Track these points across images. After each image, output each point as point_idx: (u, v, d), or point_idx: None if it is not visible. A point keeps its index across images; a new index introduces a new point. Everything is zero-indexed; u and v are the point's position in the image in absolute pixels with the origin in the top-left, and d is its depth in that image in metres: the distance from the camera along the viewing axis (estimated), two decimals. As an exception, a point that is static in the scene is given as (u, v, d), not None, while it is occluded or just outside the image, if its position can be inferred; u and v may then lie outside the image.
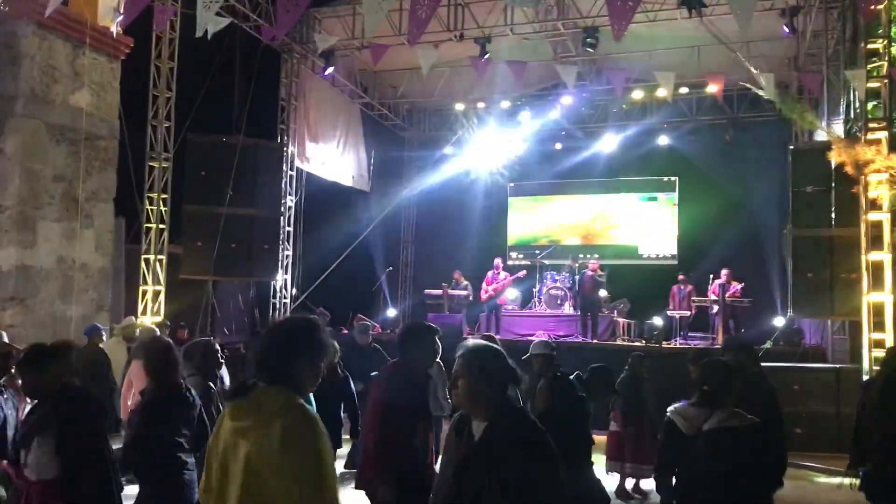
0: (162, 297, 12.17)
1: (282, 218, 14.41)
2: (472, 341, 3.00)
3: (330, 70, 14.14)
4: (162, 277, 12.20)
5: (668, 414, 4.24)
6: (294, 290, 15.10)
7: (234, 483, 2.36)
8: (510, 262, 17.72)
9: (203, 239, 12.90)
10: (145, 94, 12.04)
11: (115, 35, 9.98)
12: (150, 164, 12.16)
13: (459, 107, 17.78)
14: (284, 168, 14.45)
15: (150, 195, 12.18)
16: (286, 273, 14.79)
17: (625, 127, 17.18)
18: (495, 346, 2.96)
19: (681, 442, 4.10)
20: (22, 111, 9.31)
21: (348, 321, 15.29)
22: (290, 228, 14.88)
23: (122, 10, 8.81)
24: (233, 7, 12.25)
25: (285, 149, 14.51)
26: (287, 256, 14.78)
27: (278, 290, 14.70)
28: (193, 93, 12.47)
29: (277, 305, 14.73)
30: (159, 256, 12.20)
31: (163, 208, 12.29)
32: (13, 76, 9.26)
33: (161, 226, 12.26)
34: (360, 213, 17.05)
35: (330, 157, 15.85)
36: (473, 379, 2.76)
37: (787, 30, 12.23)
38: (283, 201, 14.44)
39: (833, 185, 10.63)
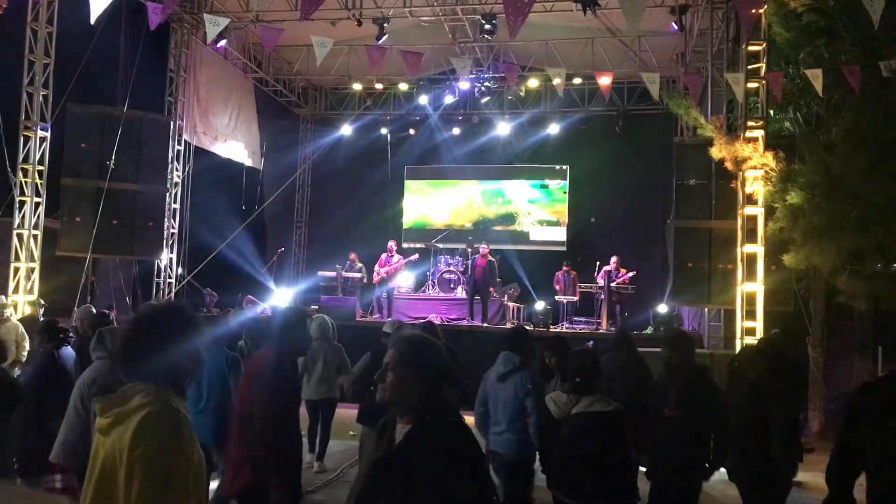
0: (36, 274, 11.51)
1: (168, 194, 13.87)
2: (407, 331, 2.71)
3: (222, 43, 13.66)
4: (37, 254, 11.53)
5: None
6: (180, 270, 14.60)
7: (90, 481, 2.26)
8: (405, 245, 17.74)
9: (82, 214, 12.26)
10: (21, 60, 11.28)
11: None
12: (25, 133, 11.43)
13: (356, 87, 17.60)
14: (171, 142, 13.90)
15: (25, 167, 11.46)
16: (171, 251, 14.27)
17: (519, 115, 17.47)
18: (432, 338, 2.59)
19: (554, 425, 4.32)
20: None
21: (237, 303, 14.95)
22: (177, 205, 14.35)
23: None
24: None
25: (173, 122, 13.95)
26: (172, 234, 14.26)
27: (163, 269, 14.18)
28: (75, 60, 11.77)
29: (161, 285, 14.21)
30: (34, 231, 11.52)
31: (38, 181, 11.59)
32: None
33: (36, 199, 11.56)
34: (252, 191, 16.64)
35: (221, 133, 15.38)
36: (402, 375, 2.43)
37: (675, 27, 12.72)
38: (169, 177, 13.90)
39: (713, 179, 11.17)
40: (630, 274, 14.19)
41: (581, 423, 4.22)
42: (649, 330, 13.38)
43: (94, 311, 7.82)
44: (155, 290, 14.10)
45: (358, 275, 15.46)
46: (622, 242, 15.74)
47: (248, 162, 16.38)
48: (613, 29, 13.21)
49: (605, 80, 10.47)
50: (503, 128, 17.53)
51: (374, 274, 15.17)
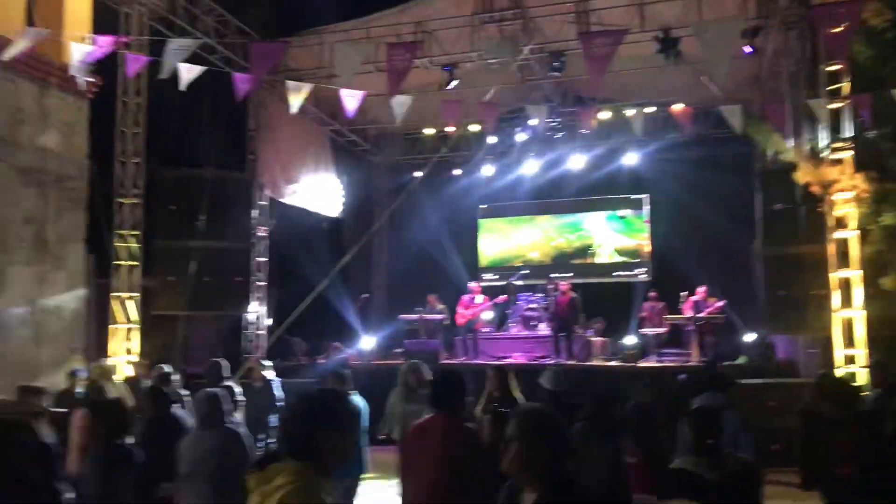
0: (137, 334, 11.98)
1: (253, 249, 14.30)
2: (528, 405, 2.86)
3: (292, 110, 14.06)
4: (135, 314, 12.01)
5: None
6: (269, 321, 14.96)
7: None
8: (483, 284, 17.76)
9: (175, 273, 12.77)
10: (112, 131, 11.89)
11: (81, 83, 9.85)
12: (120, 200, 12.00)
13: (428, 132, 17.85)
14: (254, 199, 14.36)
15: (121, 232, 12.01)
16: (261, 304, 14.66)
17: (592, 146, 17.36)
18: (549, 412, 2.76)
19: None
20: (-11, 155, 9.15)
21: (324, 350, 15.23)
22: (264, 259, 14.76)
23: (87, 60, 8.73)
24: (203, 44, 12.18)
25: (254, 180, 14.42)
26: (260, 288, 14.66)
27: (252, 322, 14.56)
28: (161, 126, 12.36)
29: (251, 337, 14.59)
30: (132, 294, 12.01)
31: (133, 244, 12.12)
32: (-21, 120, 9.11)
33: (132, 262, 12.08)
34: (334, 242, 16.99)
35: (300, 186, 15.77)
36: (526, 445, 2.58)
37: (749, 49, 12.47)
38: (254, 232, 14.34)
39: (801, 203, 10.86)
40: (720, 303, 13.81)
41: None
42: (742, 359, 13.00)
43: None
44: (245, 342, 14.47)
45: (439, 316, 15.52)
46: (706, 270, 15.36)
47: (327, 212, 16.73)
48: (686, 57, 13.05)
49: (679, 107, 10.33)
50: (577, 160, 17.45)
51: (458, 315, 15.19)
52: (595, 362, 13.98)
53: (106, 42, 8.27)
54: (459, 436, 3.88)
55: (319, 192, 16.45)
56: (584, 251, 18.55)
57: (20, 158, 9.45)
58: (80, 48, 9.00)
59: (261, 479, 2.40)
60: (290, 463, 2.40)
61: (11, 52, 7.96)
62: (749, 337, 13.32)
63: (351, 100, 8.98)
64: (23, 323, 9.43)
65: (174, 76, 9.04)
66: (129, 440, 5.17)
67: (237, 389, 8.04)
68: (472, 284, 15.64)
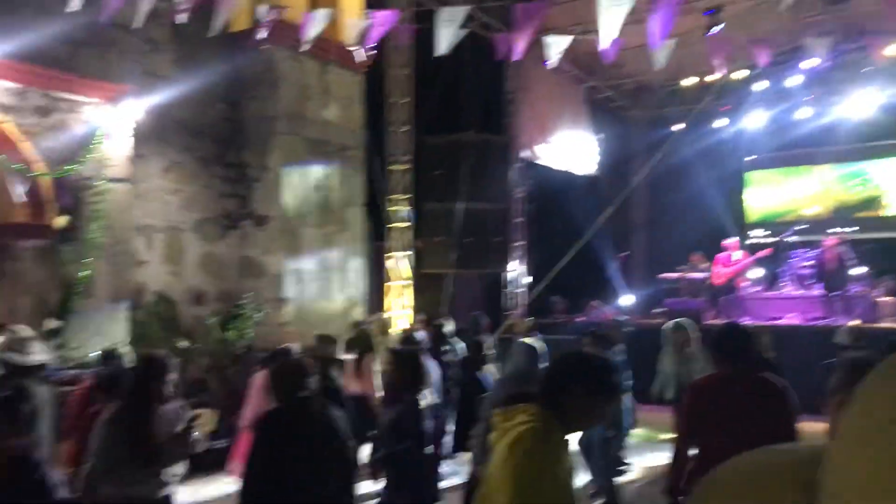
0: (409, 290, 12.90)
1: (512, 209, 14.69)
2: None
3: (551, 63, 14.10)
4: (408, 272, 12.92)
5: None
6: (528, 280, 15.35)
7: (481, 490, 2.54)
8: (751, 241, 16.74)
9: (442, 234, 13.52)
10: (384, 102, 12.75)
11: (359, 58, 10.65)
12: (392, 167, 12.90)
13: (688, 82, 17.04)
14: (512, 160, 14.70)
15: (393, 196, 12.92)
16: (520, 263, 15.06)
17: (880, 85, 15.49)
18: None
19: None
20: (282, 129, 10.27)
21: (583, 308, 15.30)
22: (522, 219, 15.12)
23: (366, 37, 9.37)
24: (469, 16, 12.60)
25: (512, 141, 14.75)
26: (519, 247, 15.05)
27: (512, 280, 15.02)
28: (427, 94, 13.04)
29: (512, 295, 15.06)
30: (405, 253, 12.93)
31: (404, 207, 13.00)
32: (274, 98, 10.24)
33: (404, 224, 12.97)
34: (591, 200, 16.91)
35: (557, 145, 15.87)
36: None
37: None
38: (512, 193, 14.71)
39: None
40: None
41: None
42: None
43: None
44: (506, 299, 14.99)
45: (702, 275, 14.90)
46: None
47: (584, 170, 16.69)
48: None
49: None
50: (861, 102, 15.70)
51: (715, 274, 14.52)
52: (886, 324, 12.64)
53: (384, 17, 8.83)
54: (764, 386, 3.88)
55: (575, 150, 16.43)
56: (872, 203, 16.74)
57: (308, 131, 10.51)
58: (358, 24, 9.70)
59: (505, 416, 2.54)
60: (533, 405, 2.51)
61: (311, 36, 8.79)
62: None
63: (608, 46, 8.79)
64: (314, 279, 10.55)
65: (438, 44, 9.46)
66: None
67: (489, 341, 8.66)
68: (727, 241, 14.80)
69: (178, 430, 4.27)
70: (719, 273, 14.41)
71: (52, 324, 7.76)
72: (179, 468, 4.36)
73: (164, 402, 4.31)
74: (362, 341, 8.95)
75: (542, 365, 4.94)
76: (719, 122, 17.62)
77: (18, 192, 7.67)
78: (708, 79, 16.72)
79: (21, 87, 7.75)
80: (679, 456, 4.00)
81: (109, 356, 6.12)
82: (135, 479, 4.03)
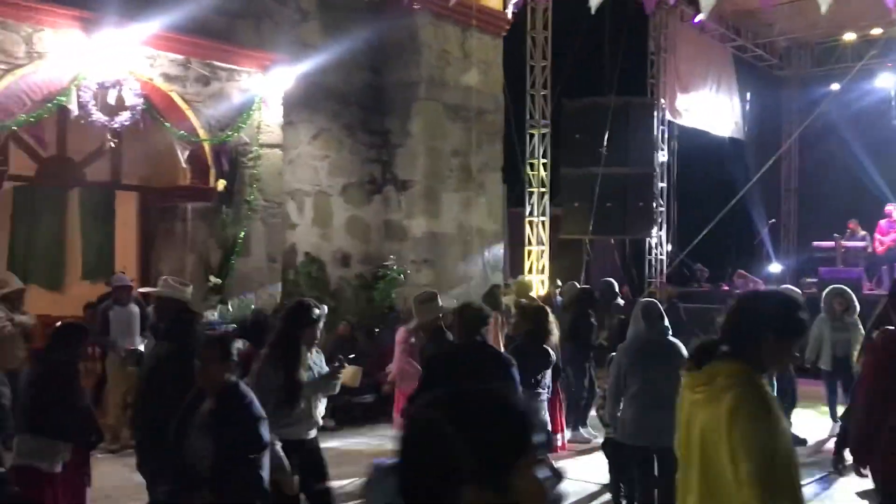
0: (546, 256, 12.87)
1: (655, 174, 14.29)
2: None
3: (702, 16, 13.51)
4: (545, 238, 12.88)
5: None
6: (670, 247, 14.93)
7: (694, 456, 2.43)
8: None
9: (580, 199, 13.34)
10: (523, 66, 12.67)
11: (508, 16, 10.61)
12: (530, 131, 12.83)
13: (848, 37, 15.87)
14: (656, 123, 14.27)
15: (531, 161, 12.87)
16: (661, 230, 14.67)
17: None
18: None
19: None
20: (423, 95, 10.43)
21: (727, 277, 14.73)
22: (664, 184, 14.68)
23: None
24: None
25: (656, 103, 14.30)
26: (661, 213, 14.64)
27: (653, 246, 14.66)
28: (566, 57, 12.84)
29: (653, 262, 14.71)
30: (542, 218, 12.88)
31: (543, 173, 12.92)
32: (416, 64, 10.41)
33: (542, 189, 12.91)
34: (736, 164, 16.16)
35: (702, 108, 15.26)
36: None
37: None
38: (655, 157, 14.29)
39: None
40: None
41: None
42: None
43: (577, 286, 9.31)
44: (647, 267, 14.65)
45: (861, 243, 13.99)
46: None
47: (730, 134, 15.98)
48: None
49: None
50: None
51: (876, 242, 13.60)
52: None
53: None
54: None
55: (721, 112, 15.76)
56: None
57: (448, 97, 10.62)
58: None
59: (699, 377, 2.45)
60: (727, 363, 2.41)
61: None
62: None
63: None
64: (453, 241, 10.71)
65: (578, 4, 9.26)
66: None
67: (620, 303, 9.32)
68: (889, 207, 13.79)
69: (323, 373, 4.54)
70: (881, 241, 13.52)
71: (213, 280, 8.33)
72: (323, 415, 4.64)
73: (311, 345, 4.54)
74: (493, 299, 9.09)
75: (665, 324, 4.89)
76: (882, 81, 16.33)
77: (184, 157, 8.22)
78: (872, 32, 15.51)
79: (184, 59, 8.25)
80: (874, 413, 3.82)
81: (258, 313, 6.65)
82: (286, 420, 4.26)
